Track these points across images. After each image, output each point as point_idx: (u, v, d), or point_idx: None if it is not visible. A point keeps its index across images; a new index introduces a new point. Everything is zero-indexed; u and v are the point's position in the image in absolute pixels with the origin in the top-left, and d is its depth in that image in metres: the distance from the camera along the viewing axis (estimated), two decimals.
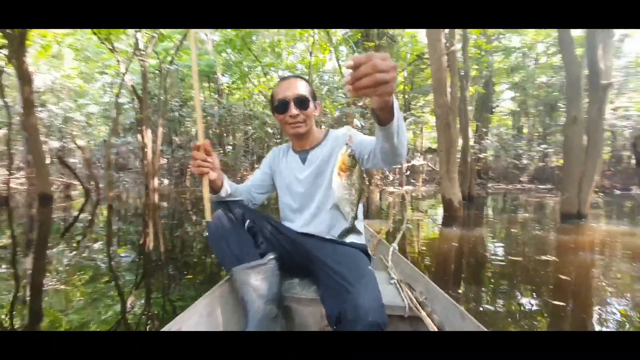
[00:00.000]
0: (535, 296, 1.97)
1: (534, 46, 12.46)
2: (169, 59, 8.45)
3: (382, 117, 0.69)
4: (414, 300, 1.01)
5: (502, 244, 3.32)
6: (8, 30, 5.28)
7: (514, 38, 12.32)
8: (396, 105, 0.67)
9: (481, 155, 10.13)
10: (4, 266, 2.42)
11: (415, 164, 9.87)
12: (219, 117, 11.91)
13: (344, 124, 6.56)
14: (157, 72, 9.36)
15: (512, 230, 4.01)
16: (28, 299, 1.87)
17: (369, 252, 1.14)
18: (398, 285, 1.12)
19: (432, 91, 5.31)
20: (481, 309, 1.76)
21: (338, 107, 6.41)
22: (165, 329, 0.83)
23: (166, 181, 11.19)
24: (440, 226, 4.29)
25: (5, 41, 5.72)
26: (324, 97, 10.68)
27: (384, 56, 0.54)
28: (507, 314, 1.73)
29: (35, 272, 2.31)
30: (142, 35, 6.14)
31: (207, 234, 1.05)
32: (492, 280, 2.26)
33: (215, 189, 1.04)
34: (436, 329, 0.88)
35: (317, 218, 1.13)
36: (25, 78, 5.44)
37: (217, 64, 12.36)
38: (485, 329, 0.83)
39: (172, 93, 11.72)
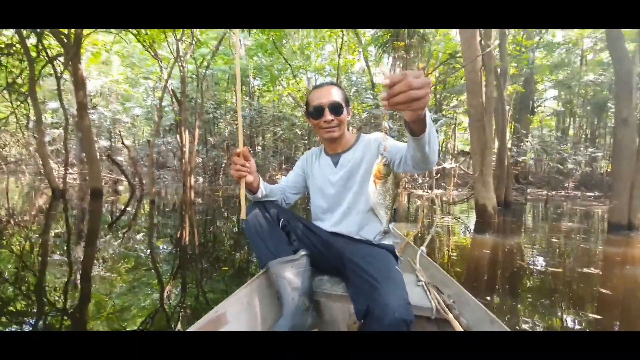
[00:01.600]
0: (573, 311, 1.85)
1: (580, 41, 11.52)
2: (205, 64, 8.90)
3: (415, 128, 0.73)
4: (442, 302, 1.01)
5: (539, 254, 3.12)
6: (64, 39, 5.88)
7: (558, 33, 11.48)
8: (428, 117, 0.70)
9: (520, 159, 9.50)
10: (58, 253, 2.71)
11: (447, 166, 9.51)
12: (250, 119, 12.32)
13: (372, 125, 6.50)
14: (194, 76, 9.90)
15: (551, 239, 3.75)
16: (79, 282, 2.09)
17: (397, 253, 1.17)
18: (425, 287, 1.12)
19: (466, 91, 5.11)
20: (506, 317, 1.69)
21: (366, 108, 6.37)
22: (212, 312, 0.93)
23: (201, 179, 11.77)
24: (472, 232, 4.11)
25: (61, 50, 6.37)
26: (352, 99, 10.67)
27: (417, 74, 0.59)
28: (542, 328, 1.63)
29: (86, 259, 2.56)
30: (181, 43, 6.54)
31: (245, 230, 1.14)
32: (524, 292, 2.14)
33: (252, 190, 1.13)
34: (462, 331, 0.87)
35: (347, 219, 1.17)
36: (79, 83, 6.02)
37: (249, 67, 12.80)
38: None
39: (207, 96, 12.31)
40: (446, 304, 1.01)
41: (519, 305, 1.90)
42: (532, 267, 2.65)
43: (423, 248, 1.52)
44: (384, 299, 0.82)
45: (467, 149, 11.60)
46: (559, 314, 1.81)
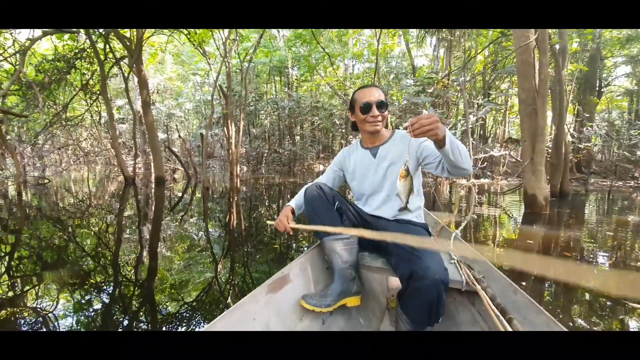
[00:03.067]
0: (610, 308, 1.76)
1: None
2: (248, 58, 9.29)
3: (438, 144, 1.00)
4: (471, 277, 1.13)
5: (593, 248, 2.91)
6: (127, 43, 6.56)
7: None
8: (448, 135, 0.97)
9: (582, 145, 8.56)
10: (128, 232, 3.17)
11: (495, 154, 8.91)
12: (289, 109, 12.62)
13: (412, 112, 6.34)
14: (238, 70, 10.39)
15: (607, 232, 3.44)
16: (145, 259, 2.45)
17: (431, 232, 1.36)
18: (457, 264, 1.25)
19: (516, 74, 4.75)
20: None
21: (405, 95, 6.20)
22: (279, 273, 1.17)
23: (245, 168, 12.47)
24: (518, 223, 3.91)
25: (125, 52, 7.11)
26: (391, 85, 10.36)
27: (428, 115, 0.92)
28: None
29: (152, 238, 2.98)
30: (227, 41, 6.92)
31: (304, 206, 1.34)
32: (557, 283, 2.06)
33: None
34: (489, 300, 0.98)
35: (387, 204, 1.34)
36: (143, 83, 6.72)
37: (288, 58, 13.02)
38: (537, 304, 0.88)
39: (249, 89, 12.84)
40: (475, 278, 1.13)
41: (547, 291, 1.85)
42: (577, 260, 2.51)
43: (457, 231, 1.65)
44: (425, 263, 0.96)
45: (518, 136, 10.70)
46: (590, 308, 1.74)
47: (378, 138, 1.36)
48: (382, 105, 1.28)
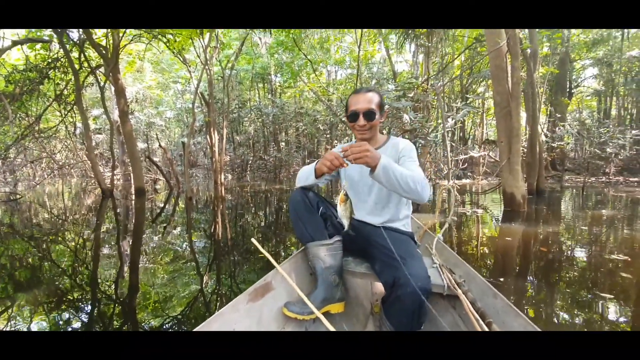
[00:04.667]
0: (588, 298, 1.84)
1: None
2: (230, 65, 9.24)
3: (371, 168, 1.04)
4: (452, 281, 1.16)
5: (569, 243, 3.04)
6: (103, 51, 6.38)
7: None
8: (382, 164, 1.00)
9: (555, 144, 8.97)
10: (107, 247, 3.06)
11: (474, 155, 9.20)
12: (273, 116, 12.60)
13: (394, 117, 6.46)
14: (220, 77, 10.30)
15: (582, 227, 3.61)
16: (126, 274, 2.36)
17: (415, 239, 1.35)
18: (439, 268, 1.28)
19: (491, 78, 4.94)
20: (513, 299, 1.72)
21: (387, 100, 6.33)
22: (261, 280, 1.15)
23: (230, 176, 12.29)
24: (498, 221, 4.04)
25: (101, 61, 6.91)
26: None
27: (360, 144, 1.00)
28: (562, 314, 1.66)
29: (133, 252, 2.89)
30: (207, 47, 6.85)
31: (289, 212, 1.33)
32: (537, 276, 2.14)
33: (317, 176, 1.25)
34: (470, 305, 1.00)
35: (375, 211, 1.34)
36: (120, 92, 6.54)
37: (270, 65, 13.04)
38: (515, 308, 0.91)
39: (232, 96, 12.74)
40: (457, 282, 1.16)
41: (527, 286, 1.92)
42: (555, 254, 2.61)
43: (440, 235, 1.68)
44: (409, 270, 0.98)
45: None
46: (571, 299, 1.81)
47: (371, 143, 1.35)
48: (370, 115, 1.25)
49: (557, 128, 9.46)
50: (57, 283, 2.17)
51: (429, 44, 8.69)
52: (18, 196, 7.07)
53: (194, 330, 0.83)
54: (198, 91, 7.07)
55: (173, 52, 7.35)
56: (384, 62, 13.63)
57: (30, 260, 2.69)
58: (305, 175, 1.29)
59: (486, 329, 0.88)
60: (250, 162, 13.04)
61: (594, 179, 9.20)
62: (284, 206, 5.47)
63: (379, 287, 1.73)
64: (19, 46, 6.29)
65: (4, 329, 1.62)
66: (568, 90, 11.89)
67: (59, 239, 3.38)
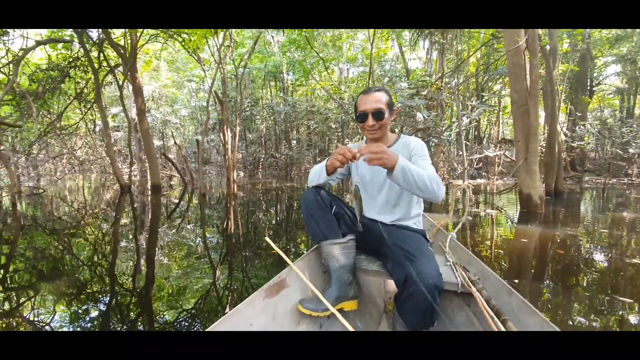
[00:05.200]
0: (606, 301, 1.78)
1: None
2: (243, 63, 9.34)
3: (388, 170, 1.05)
4: (466, 278, 1.15)
5: (589, 246, 2.94)
6: (121, 50, 6.56)
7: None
8: (400, 165, 1.01)
9: (575, 144, 8.67)
10: (124, 240, 3.15)
11: (489, 154, 8.99)
12: (285, 114, 12.66)
13: (407, 115, 6.39)
14: (233, 76, 10.42)
15: (602, 230, 3.48)
16: (143, 267, 2.44)
17: (427, 237, 1.34)
18: (453, 266, 1.27)
19: (508, 75, 4.81)
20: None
21: (399, 98, 6.26)
22: (276, 277, 1.16)
23: (242, 173, 12.45)
24: (514, 223, 3.95)
25: (119, 60, 7.11)
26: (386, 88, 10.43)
27: (377, 145, 1.01)
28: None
29: (149, 246, 2.97)
30: (222, 47, 6.95)
31: (301, 212, 1.34)
32: (555, 280, 2.08)
33: (329, 172, 1.26)
34: (484, 302, 0.99)
35: (386, 209, 1.34)
36: (138, 90, 6.71)
37: (282, 63, 13.09)
38: (531, 306, 0.90)
39: (245, 94, 12.88)
40: (471, 280, 1.14)
41: (543, 289, 1.87)
42: (572, 257, 2.53)
43: (453, 234, 1.67)
44: (420, 267, 0.98)
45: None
46: (589, 302, 1.75)
47: (381, 142, 1.34)
48: (379, 114, 1.25)
49: (577, 127, 9.14)
50: (78, 274, 2.26)
51: (444, 41, 8.53)
52: (41, 190, 7.38)
53: (212, 326, 0.85)
54: (212, 90, 7.18)
55: (188, 51, 7.48)
56: (397, 59, 13.47)
57: (52, 252, 2.80)
58: (317, 174, 1.30)
59: (501, 327, 0.86)
60: (262, 159, 13.16)
61: (615, 180, 8.85)
62: (295, 204, 5.50)
63: (392, 285, 1.73)
64: (42, 46, 6.54)
65: (27, 316, 1.70)
66: (589, 88, 11.46)
67: (80, 232, 3.51)
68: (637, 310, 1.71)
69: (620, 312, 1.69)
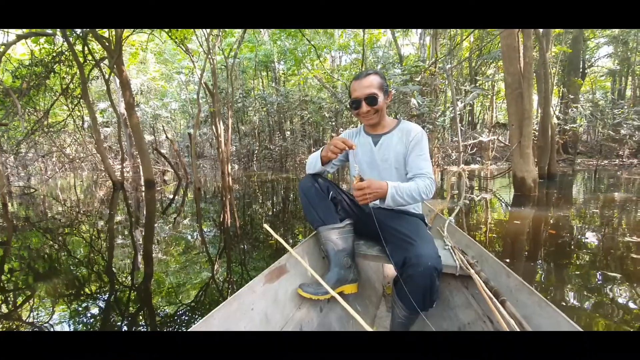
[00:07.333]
0: (594, 278, 1.82)
1: None
2: (232, 53, 9.14)
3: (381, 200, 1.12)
4: (465, 261, 1.16)
5: (580, 225, 2.99)
6: (106, 43, 6.36)
7: None
8: (389, 193, 1.09)
9: (567, 127, 8.73)
10: (120, 237, 3.13)
11: (484, 139, 9.03)
12: (277, 105, 12.50)
13: (401, 102, 6.35)
14: (223, 67, 10.21)
15: (594, 210, 3.54)
16: (140, 263, 2.42)
17: (426, 221, 1.35)
18: (451, 250, 1.28)
19: (502, 58, 4.78)
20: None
21: (393, 85, 6.19)
22: (276, 263, 1.16)
23: (236, 166, 12.36)
24: (508, 207, 3.99)
25: (104, 53, 6.90)
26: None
27: (369, 182, 1.06)
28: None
29: (146, 242, 2.95)
30: (210, 37, 6.77)
31: (300, 198, 1.34)
32: (547, 260, 2.12)
33: (323, 162, 1.27)
34: (483, 283, 1.00)
35: None
36: (125, 84, 6.54)
37: (273, 52, 12.84)
38: (529, 286, 0.91)
39: (236, 85, 12.65)
40: (469, 262, 1.16)
41: (536, 268, 1.91)
42: (565, 237, 2.58)
43: (451, 218, 1.70)
44: (419, 250, 0.99)
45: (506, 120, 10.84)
46: (581, 280, 1.79)
47: (379, 127, 1.33)
48: (372, 99, 1.22)
49: (569, 110, 9.20)
50: (74, 272, 2.24)
51: None
52: (32, 190, 7.25)
53: (213, 311, 0.86)
54: (202, 81, 7.03)
55: (175, 42, 7.28)
56: (390, 45, 13.30)
57: (47, 251, 2.77)
58: (312, 163, 1.30)
59: (500, 307, 0.88)
60: (256, 151, 13.06)
61: (607, 161, 8.98)
62: (291, 195, 5.49)
63: (391, 269, 1.76)
64: (24, 41, 6.31)
65: (26, 316, 1.68)
66: (581, 70, 11.47)
67: (74, 230, 3.47)
68: (627, 286, 1.75)
69: (610, 287, 1.73)
